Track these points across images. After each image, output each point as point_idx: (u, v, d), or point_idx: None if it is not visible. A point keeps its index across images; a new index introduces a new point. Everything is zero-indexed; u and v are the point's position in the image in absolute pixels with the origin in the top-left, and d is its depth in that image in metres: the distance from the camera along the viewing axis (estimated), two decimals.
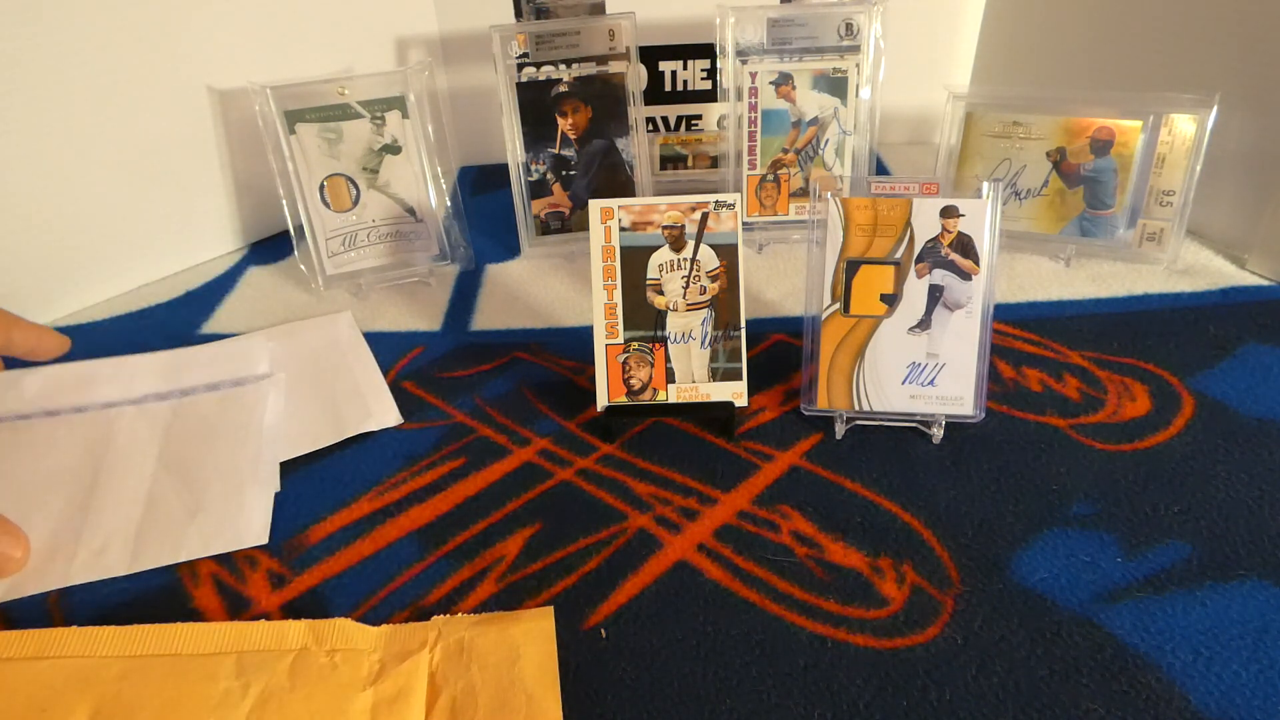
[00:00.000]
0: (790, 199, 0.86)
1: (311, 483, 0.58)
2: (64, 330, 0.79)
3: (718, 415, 0.61)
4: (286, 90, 0.77)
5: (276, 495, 0.57)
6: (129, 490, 0.56)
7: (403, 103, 0.80)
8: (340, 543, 0.53)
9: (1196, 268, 0.79)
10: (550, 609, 0.47)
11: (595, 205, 0.60)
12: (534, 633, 0.45)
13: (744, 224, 0.69)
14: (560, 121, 0.83)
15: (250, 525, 0.54)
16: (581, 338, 0.73)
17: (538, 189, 0.85)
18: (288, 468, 0.59)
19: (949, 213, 0.57)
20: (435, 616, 0.46)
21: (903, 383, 0.59)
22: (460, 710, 0.41)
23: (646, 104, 1.04)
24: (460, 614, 0.47)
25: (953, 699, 0.42)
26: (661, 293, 0.60)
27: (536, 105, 0.82)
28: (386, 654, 0.43)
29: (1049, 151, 0.79)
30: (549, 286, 0.82)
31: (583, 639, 0.46)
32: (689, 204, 0.60)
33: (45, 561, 0.51)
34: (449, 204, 0.85)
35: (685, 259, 0.60)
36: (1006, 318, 0.73)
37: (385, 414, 0.64)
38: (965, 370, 0.58)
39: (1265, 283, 0.76)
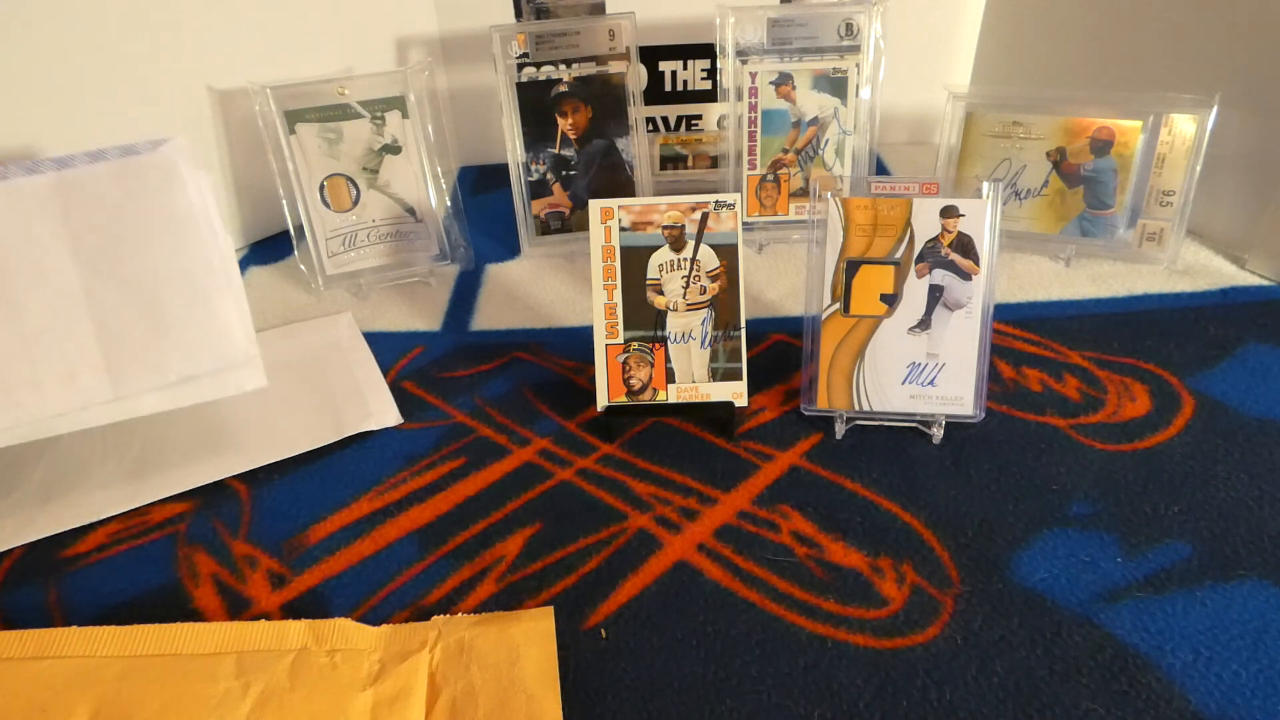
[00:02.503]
0: (790, 199, 0.86)
1: (311, 483, 0.58)
2: None
3: (718, 415, 0.61)
4: (286, 90, 0.77)
5: (275, 496, 0.57)
6: (57, 296, 0.46)
7: (403, 103, 0.80)
8: (340, 543, 0.53)
9: (1196, 268, 0.79)
10: (550, 609, 0.47)
11: (595, 205, 0.60)
12: (534, 633, 0.45)
13: (744, 224, 0.69)
14: (560, 121, 0.83)
15: (232, 339, 0.48)
16: (581, 338, 0.73)
17: (538, 189, 0.85)
18: (288, 467, 0.59)
19: (949, 213, 0.57)
20: (435, 617, 0.47)
21: (903, 383, 0.59)
22: (460, 710, 0.40)
23: (646, 104, 1.04)
24: (460, 614, 0.47)
25: (953, 699, 0.42)
26: (661, 293, 0.60)
27: (536, 105, 0.82)
28: (386, 654, 0.43)
29: (1049, 151, 0.79)
30: (549, 286, 0.83)
31: (583, 639, 0.46)
32: (689, 204, 0.60)
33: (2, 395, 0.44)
34: (449, 204, 0.85)
35: (685, 259, 0.60)
36: (1006, 318, 0.73)
37: (385, 414, 0.64)
38: (965, 370, 0.58)
39: (1265, 283, 0.76)
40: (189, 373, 0.47)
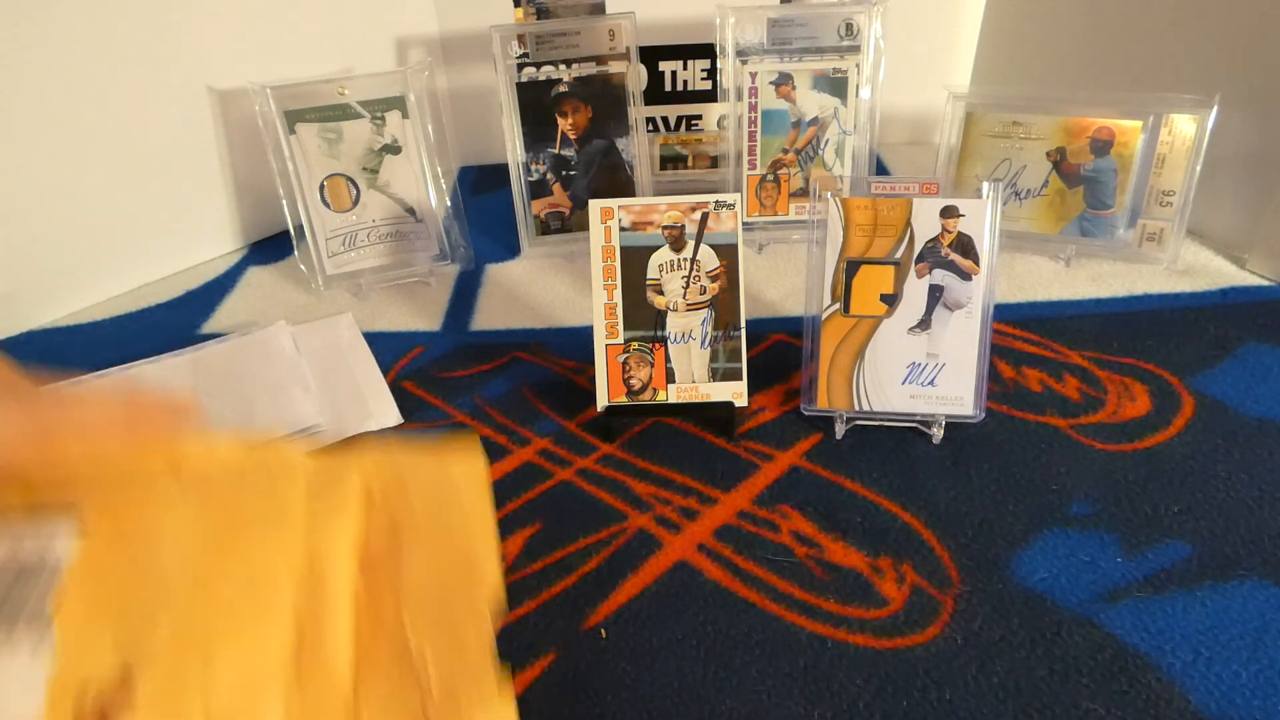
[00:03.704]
0: (790, 199, 0.86)
1: None
2: (65, 330, 0.79)
3: (718, 415, 0.61)
4: (286, 90, 0.77)
5: None
6: None
7: (403, 103, 0.80)
8: None
9: (1196, 268, 0.79)
10: (477, 442, 0.47)
11: (595, 205, 0.60)
12: (464, 463, 0.43)
13: (744, 224, 0.69)
14: (560, 121, 0.83)
15: (304, 409, 0.62)
16: (581, 338, 0.73)
17: (538, 189, 0.85)
18: None
19: (949, 213, 0.57)
20: (364, 442, 0.44)
21: (903, 383, 0.59)
22: (399, 528, 0.39)
23: (646, 104, 1.04)
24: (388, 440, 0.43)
25: (953, 699, 0.42)
26: (661, 293, 0.60)
27: (536, 105, 0.82)
28: (321, 471, 0.40)
29: (1049, 151, 0.79)
30: (549, 286, 0.82)
31: (583, 639, 0.46)
32: (689, 204, 0.60)
33: None
34: (449, 204, 0.85)
35: (685, 259, 0.60)
36: (1006, 318, 0.73)
37: (385, 414, 0.64)
38: (965, 370, 0.58)
39: (1265, 283, 0.76)
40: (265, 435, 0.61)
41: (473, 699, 0.36)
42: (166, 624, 0.33)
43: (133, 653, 0.32)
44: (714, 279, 0.60)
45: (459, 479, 0.42)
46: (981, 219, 0.57)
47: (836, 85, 0.82)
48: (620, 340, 0.60)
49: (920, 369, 0.58)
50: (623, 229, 0.60)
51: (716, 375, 0.60)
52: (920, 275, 0.58)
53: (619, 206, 0.60)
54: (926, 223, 0.57)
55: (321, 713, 0.34)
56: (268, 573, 0.35)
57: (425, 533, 0.40)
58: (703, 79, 1.05)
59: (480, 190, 1.05)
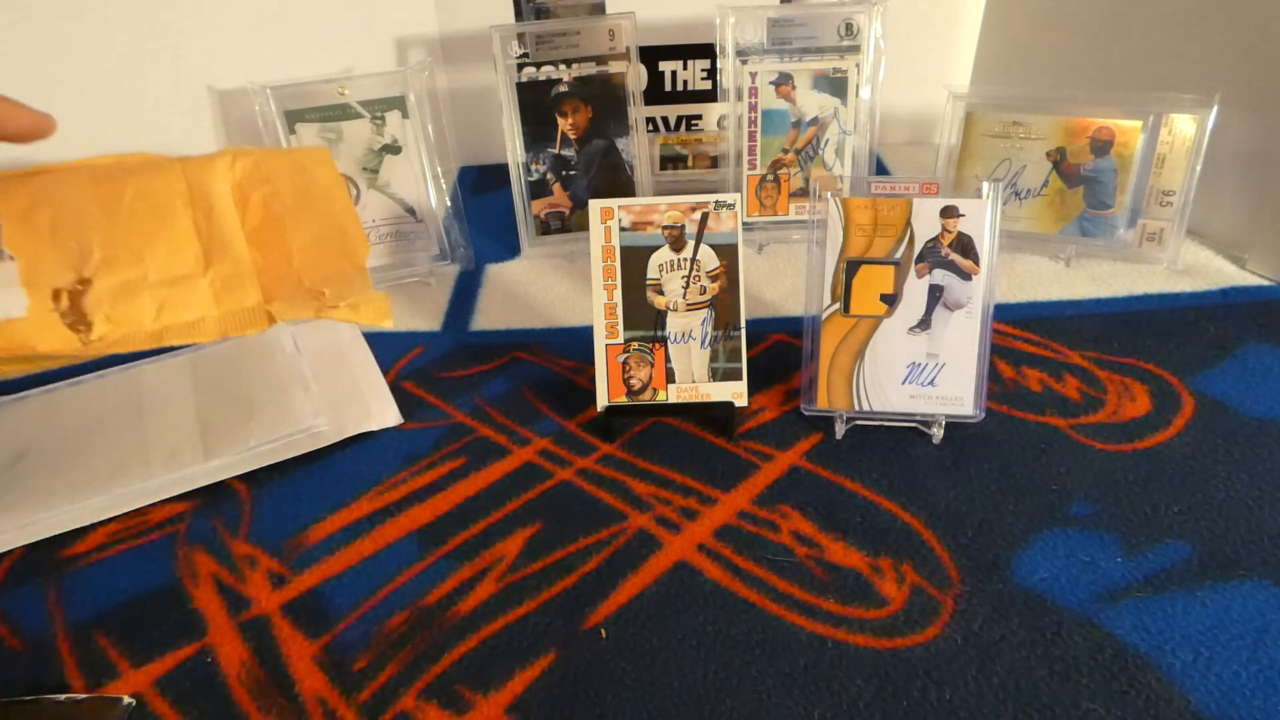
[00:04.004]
0: (790, 199, 0.86)
1: (311, 483, 0.58)
2: None
3: (718, 415, 0.61)
4: (286, 90, 0.77)
5: (275, 496, 0.57)
6: (177, 413, 0.64)
7: (403, 103, 0.80)
8: (340, 543, 0.53)
9: (1196, 268, 0.79)
10: (326, 151, 0.57)
11: (595, 205, 0.60)
12: (315, 155, 0.55)
13: (744, 224, 0.69)
14: (560, 121, 0.83)
15: (304, 409, 0.63)
16: (581, 338, 0.73)
17: (538, 189, 0.85)
18: (288, 467, 0.59)
19: (949, 213, 0.57)
20: (226, 147, 0.52)
21: (903, 383, 0.59)
22: (269, 203, 0.51)
23: (646, 104, 1.04)
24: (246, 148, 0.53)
25: (953, 699, 0.42)
26: (661, 293, 0.60)
27: (536, 105, 0.82)
28: (193, 169, 0.51)
29: (1049, 151, 0.79)
30: (549, 286, 0.83)
31: (583, 639, 0.46)
32: (689, 204, 0.60)
33: (119, 468, 0.59)
34: (449, 204, 0.85)
35: (685, 259, 0.60)
36: (1006, 318, 0.73)
37: (385, 414, 0.64)
38: (965, 370, 0.58)
39: (1265, 283, 0.76)
40: (267, 439, 0.61)
41: (358, 298, 0.50)
42: (98, 245, 0.46)
43: (81, 266, 0.45)
44: (714, 279, 0.60)
45: (311, 166, 0.54)
46: (981, 219, 0.57)
47: (836, 85, 0.82)
48: (620, 340, 0.60)
49: (920, 369, 0.58)
50: (623, 229, 0.60)
51: (716, 375, 0.60)
52: (920, 275, 0.58)
53: (619, 206, 0.60)
54: (926, 223, 0.57)
55: (234, 284, 0.48)
56: (162, 199, 0.49)
57: (297, 208, 0.52)
58: (703, 79, 1.05)
59: (480, 190, 1.05)
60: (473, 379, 0.69)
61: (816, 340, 0.60)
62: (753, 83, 0.82)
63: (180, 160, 0.51)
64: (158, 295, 0.47)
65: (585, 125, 0.83)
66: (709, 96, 1.06)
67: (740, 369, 0.60)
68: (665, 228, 0.60)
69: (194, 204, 0.50)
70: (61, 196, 0.48)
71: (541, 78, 0.82)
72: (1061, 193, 0.80)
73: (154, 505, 0.57)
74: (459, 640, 0.46)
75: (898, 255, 0.58)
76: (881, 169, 1.04)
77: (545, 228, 0.87)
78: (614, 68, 0.82)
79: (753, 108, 0.83)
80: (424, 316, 0.79)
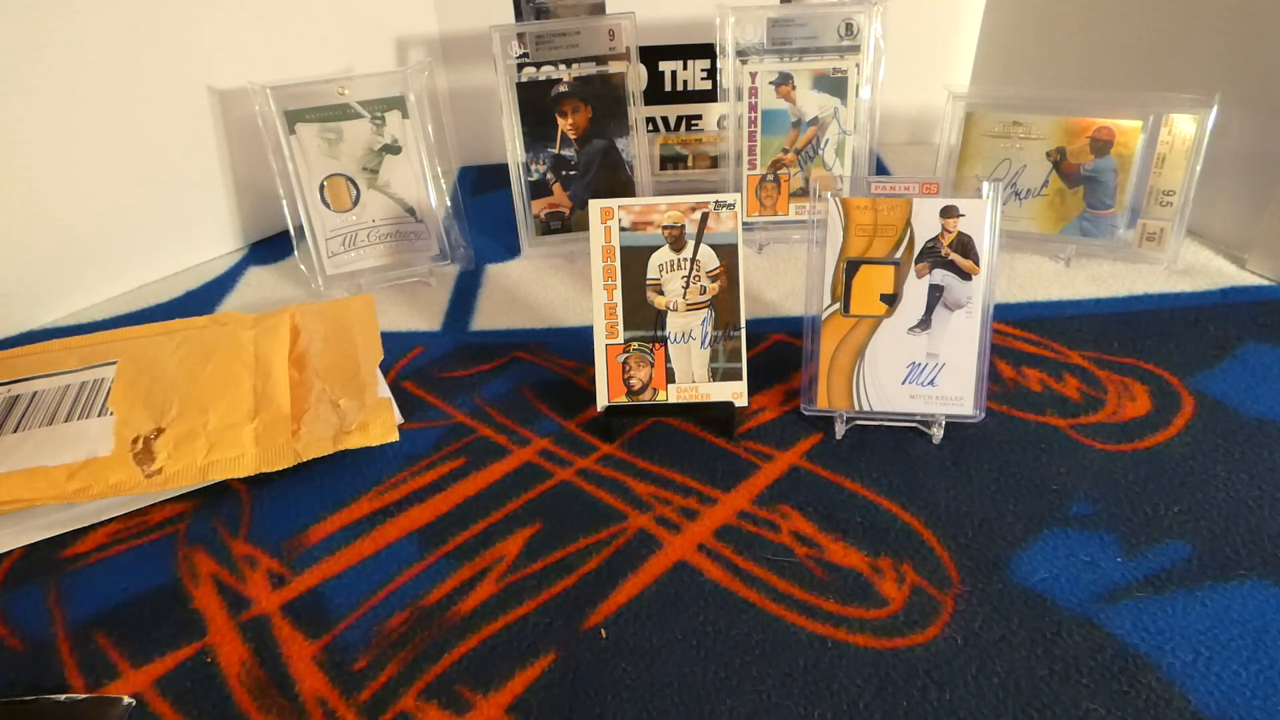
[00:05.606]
0: (790, 199, 0.86)
1: (311, 483, 0.58)
2: (65, 330, 0.79)
3: (718, 415, 0.61)
4: (286, 90, 0.77)
5: (275, 496, 0.57)
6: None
7: (403, 103, 0.80)
8: (340, 543, 0.53)
9: (1196, 268, 0.79)
10: (370, 297, 0.72)
11: (595, 205, 0.60)
12: (360, 307, 0.71)
13: (744, 224, 0.69)
14: (560, 121, 0.83)
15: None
16: (581, 338, 0.73)
17: (538, 189, 0.85)
18: (288, 468, 0.59)
19: (949, 213, 0.57)
20: (288, 308, 0.71)
21: (903, 383, 0.59)
22: (311, 340, 0.67)
23: (646, 104, 1.04)
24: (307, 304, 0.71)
25: (953, 699, 0.42)
26: (661, 293, 0.60)
27: (536, 105, 0.82)
28: (259, 319, 0.69)
29: (1049, 151, 0.79)
30: (549, 286, 0.83)
31: (583, 639, 0.46)
32: (689, 204, 0.60)
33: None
34: (449, 204, 0.85)
35: (685, 259, 0.60)
36: (1006, 318, 0.73)
37: None
38: (965, 370, 0.58)
39: (1265, 283, 0.76)
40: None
41: (367, 415, 0.59)
42: (177, 403, 0.59)
43: (161, 419, 0.58)
44: (714, 279, 0.60)
45: (352, 308, 0.71)
46: (981, 219, 0.57)
47: (836, 85, 0.82)
48: (620, 340, 0.60)
49: (920, 369, 0.58)
50: (623, 229, 0.60)
51: (716, 375, 0.60)
52: (920, 275, 0.58)
53: (619, 206, 0.60)
54: (926, 222, 0.57)
55: (273, 428, 0.59)
56: (234, 370, 0.62)
57: (332, 338, 0.67)
58: (703, 79, 1.05)
59: (480, 190, 1.05)
60: (473, 379, 0.69)
61: (816, 340, 0.60)
62: (753, 83, 0.82)
63: (255, 329, 0.67)
64: (211, 438, 0.57)
65: (585, 125, 0.83)
66: (709, 96, 1.06)
67: (740, 369, 0.60)
68: (665, 228, 0.60)
69: (256, 370, 0.63)
70: (160, 367, 0.62)
71: (541, 78, 0.82)
72: (1061, 193, 0.80)
73: (154, 505, 0.57)
74: (459, 640, 0.46)
75: (898, 255, 0.58)
76: (881, 169, 1.04)
77: (545, 228, 0.87)
78: (614, 68, 0.82)
79: (753, 108, 0.83)
80: (424, 316, 0.79)
